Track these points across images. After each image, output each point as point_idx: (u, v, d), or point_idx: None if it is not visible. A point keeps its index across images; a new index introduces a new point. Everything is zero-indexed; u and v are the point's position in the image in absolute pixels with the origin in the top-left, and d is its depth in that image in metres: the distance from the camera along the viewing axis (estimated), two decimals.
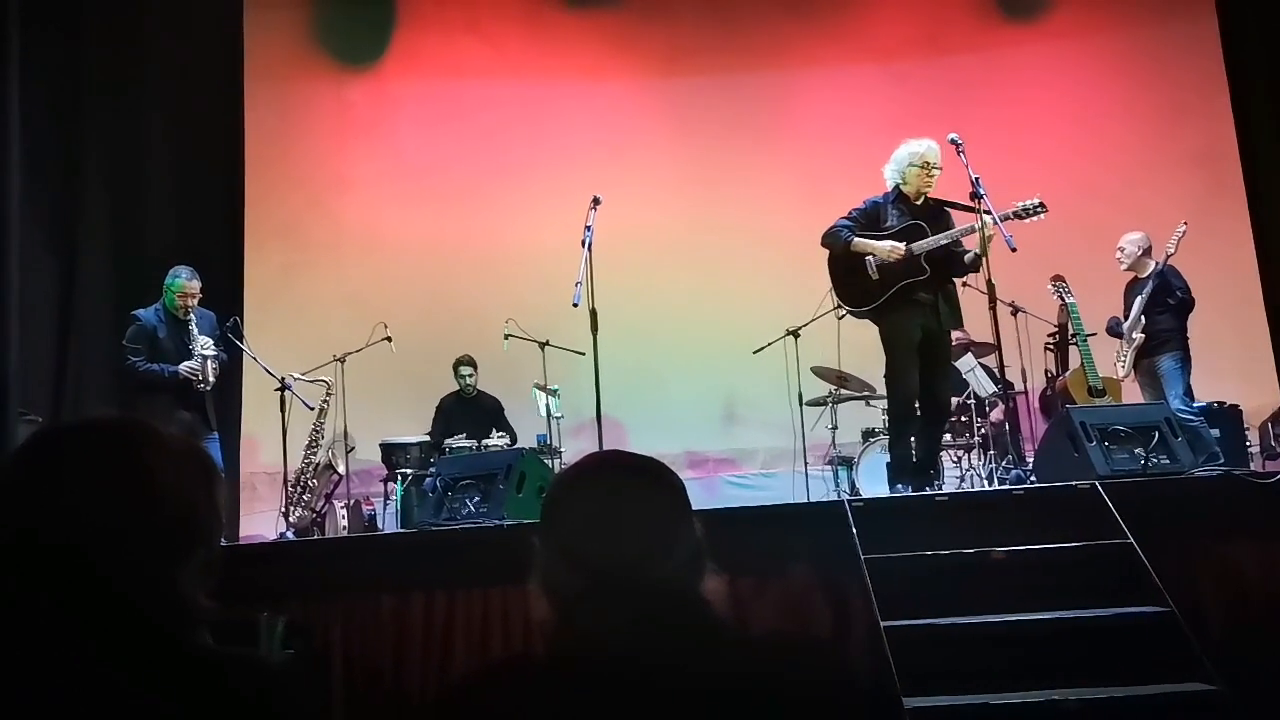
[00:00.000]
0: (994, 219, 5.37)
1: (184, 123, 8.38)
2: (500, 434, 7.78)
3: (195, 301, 6.34)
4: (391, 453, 7.58)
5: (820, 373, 7.52)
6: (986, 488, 6.59)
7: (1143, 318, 6.79)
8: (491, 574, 4.65)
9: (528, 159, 9.20)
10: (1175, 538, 4.46)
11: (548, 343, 7.69)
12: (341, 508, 7.39)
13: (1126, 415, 5.42)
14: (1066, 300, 7.07)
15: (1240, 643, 4.20)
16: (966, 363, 7.21)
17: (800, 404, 7.44)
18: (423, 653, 4.70)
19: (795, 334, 7.39)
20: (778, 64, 9.28)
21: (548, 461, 6.90)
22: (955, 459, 7.31)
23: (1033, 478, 5.48)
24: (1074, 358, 7.11)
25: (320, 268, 9.09)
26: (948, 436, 6.92)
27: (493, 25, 9.42)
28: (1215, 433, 6.65)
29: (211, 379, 6.29)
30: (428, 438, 7.80)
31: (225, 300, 7.43)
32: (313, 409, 7.11)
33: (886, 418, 6.76)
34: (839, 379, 7.47)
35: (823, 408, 7.55)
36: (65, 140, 7.59)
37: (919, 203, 5.70)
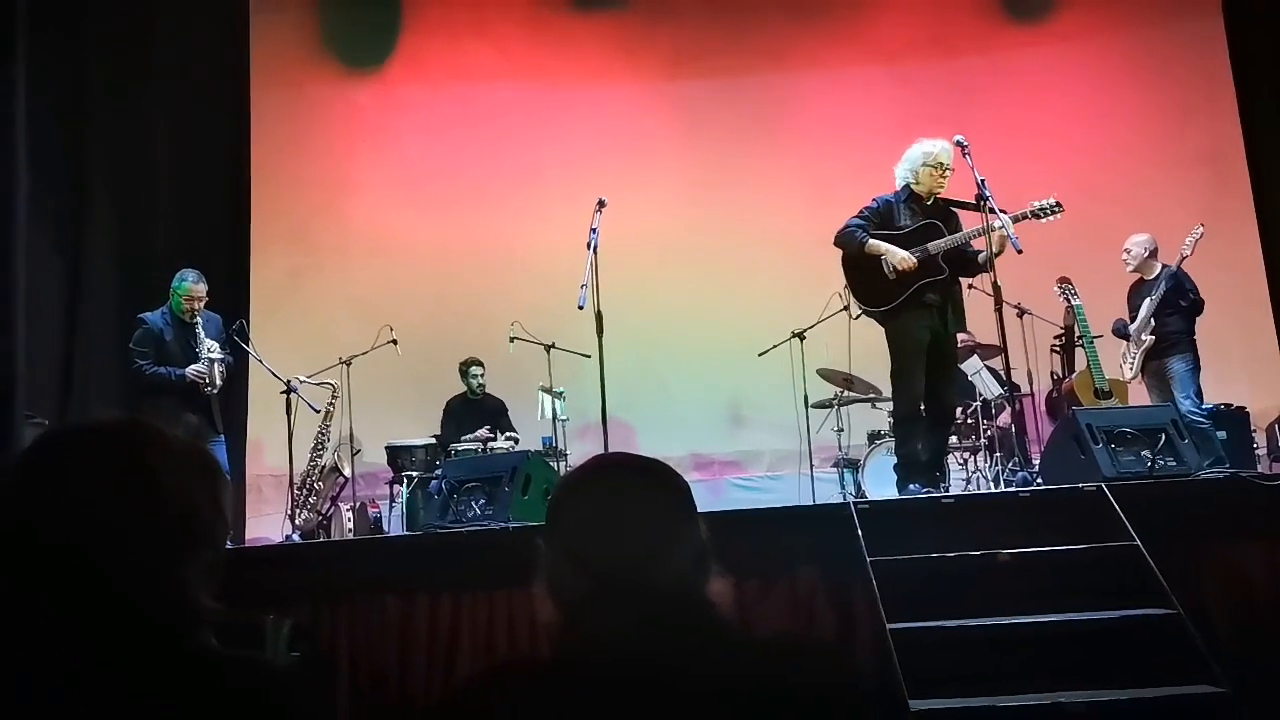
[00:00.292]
0: (1005, 220, 5.34)
1: (190, 126, 8.38)
2: (507, 435, 7.78)
3: (201, 304, 6.36)
4: (397, 455, 7.60)
5: (826, 375, 7.51)
6: (992, 490, 6.59)
7: (1152, 320, 6.78)
8: (497, 576, 4.65)
9: (533, 162, 9.22)
10: (1181, 540, 4.46)
11: (553, 345, 7.70)
12: (347, 510, 7.39)
13: (1133, 417, 5.40)
14: (1073, 302, 7.07)
15: (1246, 645, 4.19)
16: (972, 365, 7.20)
17: (806, 406, 7.43)
18: (428, 655, 4.70)
19: (801, 336, 7.39)
20: (783, 66, 9.29)
21: (553, 464, 6.90)
22: (961, 461, 7.29)
23: (1039, 480, 5.47)
24: (1080, 360, 7.10)
25: (326, 271, 9.11)
26: (953, 439, 6.90)
27: (498, 28, 9.43)
28: (1222, 435, 6.63)
29: (218, 382, 6.30)
30: (433, 440, 7.81)
31: (231, 303, 7.43)
32: (318, 412, 7.12)
33: (892, 420, 6.77)
34: (845, 381, 7.47)
35: (828, 410, 7.54)
36: (72, 144, 7.60)
37: (930, 203, 5.69)
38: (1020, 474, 6.03)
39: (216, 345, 6.33)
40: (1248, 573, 4.44)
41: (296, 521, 6.98)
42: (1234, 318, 7.99)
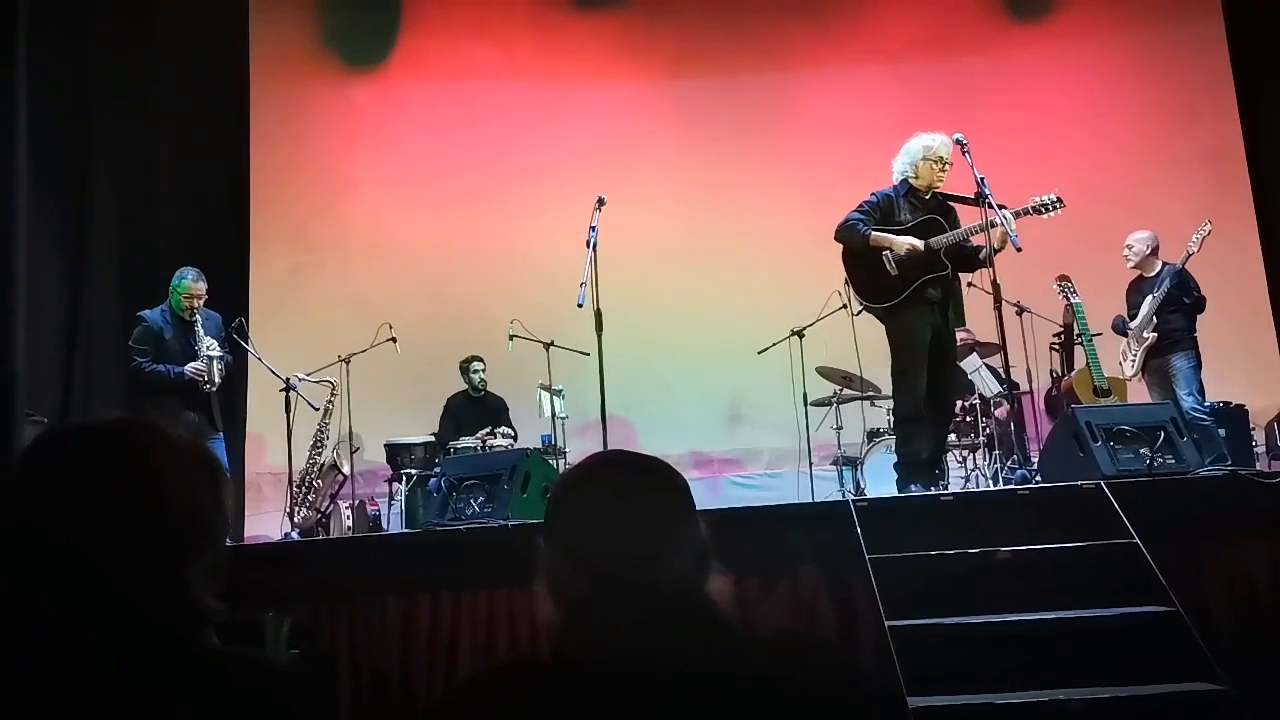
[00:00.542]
0: (1004, 216, 5.32)
1: (191, 125, 8.39)
2: (503, 432, 7.78)
3: (201, 303, 6.36)
4: (396, 453, 7.60)
5: (825, 373, 7.52)
6: (992, 488, 6.59)
7: (1154, 317, 6.78)
8: (497, 575, 4.65)
9: (533, 160, 9.21)
10: (1181, 538, 4.46)
11: (552, 343, 7.71)
12: (346, 508, 7.40)
13: (1132, 415, 5.41)
14: (1072, 300, 7.07)
15: (1246, 642, 4.20)
16: (972, 363, 7.20)
17: (805, 404, 7.43)
18: (428, 654, 4.70)
19: (800, 334, 7.38)
20: (784, 66, 9.28)
21: (552, 462, 6.90)
22: (960, 459, 7.30)
23: (1038, 478, 5.47)
24: (1079, 358, 7.10)
25: (326, 269, 9.11)
26: (952, 436, 6.91)
27: (499, 27, 9.43)
28: (1221, 432, 6.64)
29: (217, 380, 6.30)
30: (432, 438, 7.81)
31: (231, 301, 7.43)
32: (318, 409, 7.11)
33: (891, 417, 6.77)
34: (844, 379, 7.47)
35: (827, 408, 7.54)
36: (73, 143, 7.60)
37: (928, 197, 5.67)
38: (1019, 472, 6.03)
39: (216, 343, 6.33)
40: (1247, 570, 4.45)
41: (295, 519, 6.98)
42: (1234, 317, 7.99)
